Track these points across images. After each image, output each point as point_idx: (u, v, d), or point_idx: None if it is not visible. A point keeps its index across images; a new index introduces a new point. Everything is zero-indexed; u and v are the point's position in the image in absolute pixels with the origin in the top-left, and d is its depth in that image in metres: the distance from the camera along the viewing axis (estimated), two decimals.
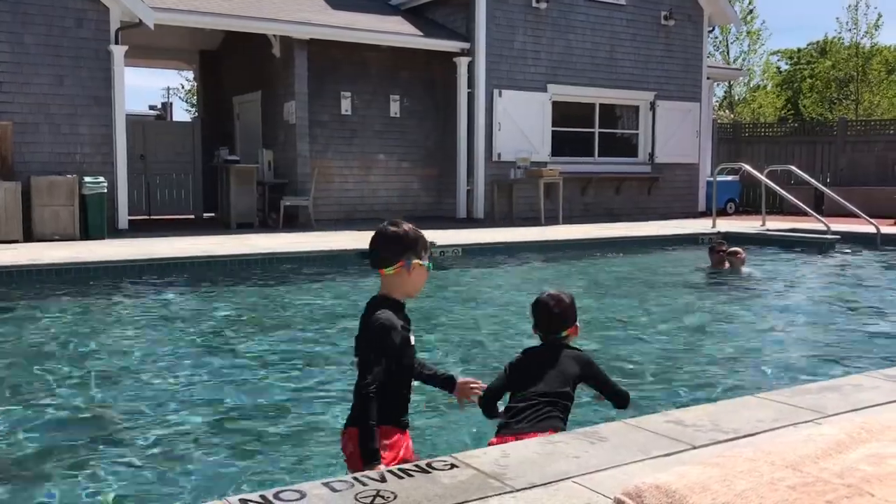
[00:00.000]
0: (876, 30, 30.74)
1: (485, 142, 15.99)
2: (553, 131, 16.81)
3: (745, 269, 9.53)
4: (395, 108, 16.22)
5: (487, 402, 3.17)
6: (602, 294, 8.42)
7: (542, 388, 3.07)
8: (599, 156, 17.71)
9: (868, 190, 18.19)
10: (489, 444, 2.88)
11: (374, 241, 2.82)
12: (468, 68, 15.89)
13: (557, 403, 3.05)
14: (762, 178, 14.53)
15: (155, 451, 3.65)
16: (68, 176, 11.88)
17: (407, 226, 2.82)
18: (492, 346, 5.80)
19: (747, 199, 20.29)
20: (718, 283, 9.04)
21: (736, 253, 9.48)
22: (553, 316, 3.24)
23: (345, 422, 2.82)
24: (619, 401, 3.21)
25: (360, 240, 11.57)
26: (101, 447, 3.69)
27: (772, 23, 67.38)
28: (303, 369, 5.13)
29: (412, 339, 2.81)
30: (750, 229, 13.82)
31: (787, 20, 72.10)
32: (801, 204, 13.87)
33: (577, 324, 3.30)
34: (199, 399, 4.47)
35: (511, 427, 3.01)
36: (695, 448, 2.72)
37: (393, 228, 2.81)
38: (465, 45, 15.84)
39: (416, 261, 2.76)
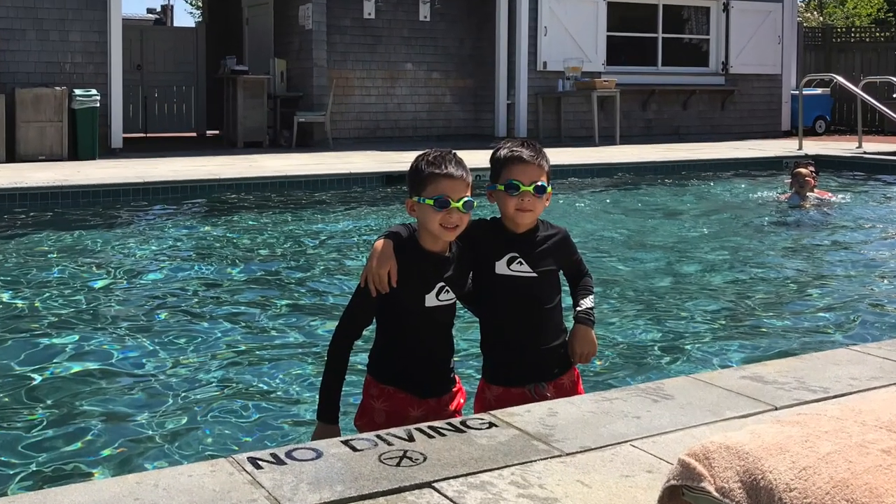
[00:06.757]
0: None
1: (528, 48, 15.76)
2: (608, 36, 16.51)
3: (834, 199, 9.29)
4: (424, 11, 15.99)
5: None
6: (661, 228, 8.32)
7: None
8: (663, 65, 17.38)
9: None
10: None
11: None
12: None
13: None
14: (858, 91, 14.15)
15: (153, 401, 3.70)
16: (56, 88, 11.90)
17: (421, 157, 2.70)
18: None
19: (840, 117, 19.81)
20: (802, 215, 8.85)
21: (807, 172, 8.93)
22: None
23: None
24: None
25: (383, 161, 11.62)
26: (89, 389, 3.74)
27: None
28: (317, 314, 5.14)
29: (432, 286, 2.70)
30: (843, 152, 13.51)
31: None
32: None
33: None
34: (201, 341, 4.51)
35: None
36: (776, 409, 2.67)
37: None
38: None
39: (414, 198, 2.66)
